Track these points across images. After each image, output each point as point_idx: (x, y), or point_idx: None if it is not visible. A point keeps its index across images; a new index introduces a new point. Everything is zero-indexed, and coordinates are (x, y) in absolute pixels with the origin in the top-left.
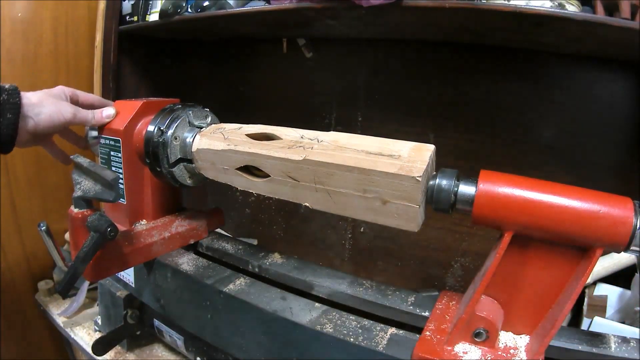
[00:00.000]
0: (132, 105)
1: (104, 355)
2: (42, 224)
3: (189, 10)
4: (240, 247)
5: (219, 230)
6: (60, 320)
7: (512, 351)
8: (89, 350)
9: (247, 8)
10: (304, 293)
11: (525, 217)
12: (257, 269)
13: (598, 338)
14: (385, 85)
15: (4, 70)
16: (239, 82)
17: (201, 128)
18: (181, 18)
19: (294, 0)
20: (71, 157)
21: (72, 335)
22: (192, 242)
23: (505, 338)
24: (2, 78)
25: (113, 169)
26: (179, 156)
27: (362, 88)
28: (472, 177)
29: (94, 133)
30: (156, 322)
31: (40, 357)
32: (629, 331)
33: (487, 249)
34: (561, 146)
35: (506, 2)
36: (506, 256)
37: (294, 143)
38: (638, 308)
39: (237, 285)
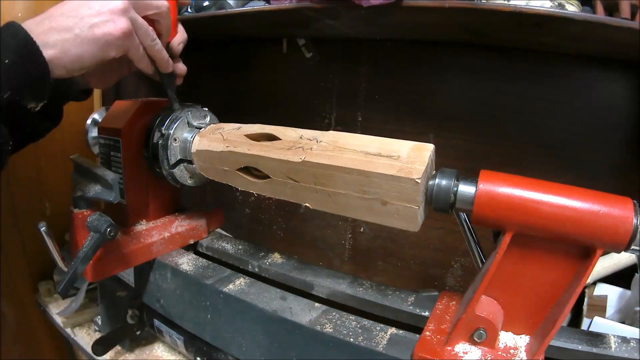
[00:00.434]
0: (132, 105)
1: (104, 355)
2: (41, 224)
3: (189, 10)
4: (240, 247)
5: (219, 230)
6: (60, 320)
7: (512, 351)
8: (89, 350)
9: (247, 8)
10: (304, 293)
11: (525, 217)
12: (257, 269)
13: (598, 338)
14: (385, 85)
15: None
16: (239, 82)
17: (200, 128)
18: (181, 18)
19: (294, 0)
20: (71, 157)
21: (72, 335)
22: (192, 242)
23: (505, 338)
24: None
25: (113, 169)
26: (179, 157)
27: (362, 88)
28: (471, 177)
29: (94, 133)
30: (156, 322)
31: (40, 357)
32: (629, 331)
33: (487, 249)
34: (561, 146)
35: (506, 2)
36: (506, 256)
37: (293, 144)
38: (638, 308)
39: (237, 285)
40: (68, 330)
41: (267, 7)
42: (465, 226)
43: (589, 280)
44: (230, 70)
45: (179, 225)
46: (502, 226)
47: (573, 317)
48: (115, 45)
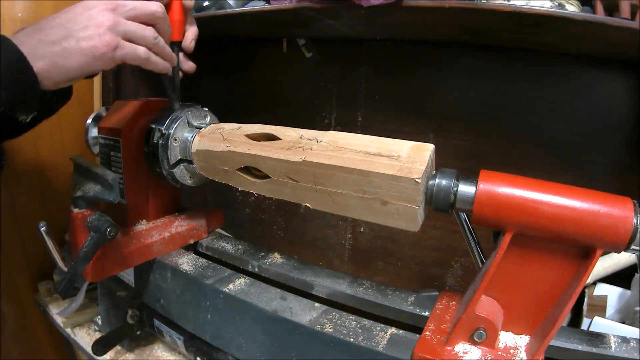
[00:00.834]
0: (132, 106)
1: (104, 355)
2: (41, 224)
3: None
4: (240, 247)
5: (219, 230)
6: (60, 320)
7: (512, 351)
8: (89, 350)
9: (247, 8)
10: (304, 293)
11: (525, 217)
12: (257, 269)
13: (598, 338)
14: (385, 85)
15: None
16: (239, 81)
17: (200, 128)
18: None
19: (294, 0)
20: (71, 157)
21: (72, 335)
22: (192, 242)
23: (505, 338)
24: None
25: (113, 169)
26: (179, 157)
27: (362, 88)
28: (471, 177)
29: (94, 133)
30: (156, 322)
31: (40, 357)
32: (629, 331)
33: (487, 249)
34: (561, 146)
35: (506, 2)
36: (506, 256)
37: (293, 143)
38: (638, 308)
39: (237, 285)
40: (68, 330)
41: (267, 7)
42: (465, 226)
43: (589, 280)
44: (230, 70)
45: (179, 225)
46: (502, 226)
47: (573, 317)
48: (103, 58)
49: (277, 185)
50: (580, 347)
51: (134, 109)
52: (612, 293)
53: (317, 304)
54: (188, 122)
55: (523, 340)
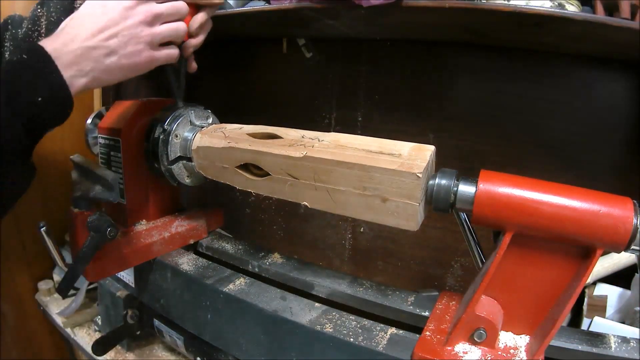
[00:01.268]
0: (132, 105)
1: (104, 355)
2: (41, 224)
3: None
4: (240, 247)
5: (219, 230)
6: (60, 320)
7: (512, 351)
8: (89, 350)
9: (247, 8)
10: (304, 293)
11: (525, 217)
12: (257, 269)
13: (598, 338)
14: (385, 85)
15: None
16: (239, 82)
17: (202, 128)
18: None
19: (294, 0)
20: (71, 157)
21: (72, 335)
22: (192, 242)
23: (505, 338)
24: None
25: (113, 169)
26: (179, 154)
27: (362, 88)
28: (471, 177)
29: (94, 133)
30: (156, 322)
31: (40, 357)
32: (629, 331)
33: (487, 249)
34: (561, 146)
35: (506, 2)
36: (506, 256)
37: (295, 142)
38: (638, 308)
39: (237, 285)
40: (68, 330)
41: (267, 7)
42: (465, 226)
43: (589, 280)
44: (230, 70)
45: (179, 225)
46: (502, 226)
47: (573, 317)
48: (140, 71)
49: (276, 183)
50: (580, 347)
51: (134, 108)
52: (612, 293)
53: (317, 304)
54: (190, 121)
55: (523, 340)
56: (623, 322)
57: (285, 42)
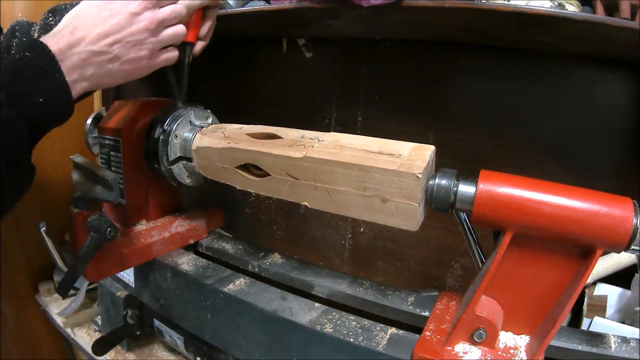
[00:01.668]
0: (132, 105)
1: (104, 355)
2: (42, 224)
3: None
4: (240, 247)
5: (219, 230)
6: (60, 320)
7: (512, 351)
8: (89, 350)
9: (247, 8)
10: (304, 293)
11: (525, 217)
12: (256, 269)
13: (598, 338)
14: (385, 85)
15: None
16: (239, 82)
17: (202, 128)
18: None
19: (294, 0)
20: (71, 157)
21: (72, 335)
22: (192, 242)
23: (505, 338)
24: None
25: (113, 169)
26: (179, 154)
27: (362, 88)
28: (471, 177)
29: (94, 133)
30: (156, 322)
31: (40, 357)
32: (629, 331)
33: (487, 249)
34: (561, 146)
35: (506, 2)
36: (506, 256)
37: (295, 142)
38: (638, 308)
39: (237, 285)
40: (68, 330)
41: (267, 7)
42: (465, 226)
43: (589, 280)
44: (230, 70)
45: (179, 225)
46: (502, 226)
47: (573, 317)
48: (139, 75)
49: (276, 184)
50: (580, 347)
51: (134, 109)
52: (612, 293)
53: (317, 304)
54: (190, 121)
55: (523, 340)
56: (623, 322)
57: (285, 42)
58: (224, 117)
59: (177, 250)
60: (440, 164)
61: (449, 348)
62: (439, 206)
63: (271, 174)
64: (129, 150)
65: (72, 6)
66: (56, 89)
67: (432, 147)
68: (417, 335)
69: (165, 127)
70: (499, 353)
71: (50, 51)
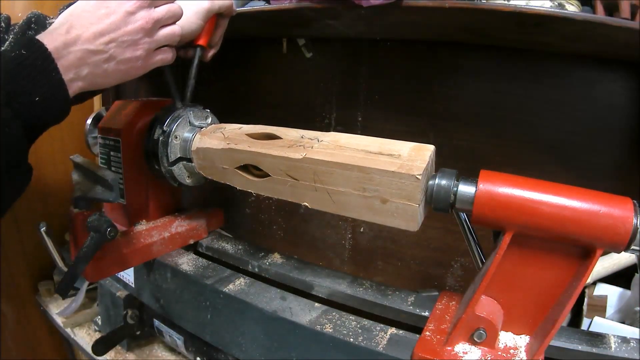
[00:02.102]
0: (132, 105)
1: (104, 355)
2: (41, 225)
3: None
4: (240, 247)
5: (219, 230)
6: (60, 320)
7: (512, 351)
8: (89, 350)
9: (247, 8)
10: (304, 293)
11: (525, 217)
12: (256, 269)
13: (598, 338)
14: (385, 85)
15: None
16: (239, 82)
17: (201, 128)
18: None
19: (294, 0)
20: (71, 157)
21: (72, 335)
22: (192, 242)
23: (505, 338)
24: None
25: (113, 169)
26: (179, 155)
27: (362, 88)
28: (471, 177)
29: (94, 133)
30: (156, 322)
31: (40, 357)
32: (629, 331)
33: (487, 249)
34: (561, 146)
35: (506, 2)
36: (506, 256)
37: (294, 142)
38: (638, 308)
39: (237, 285)
40: (68, 330)
41: (267, 7)
42: (465, 226)
43: (589, 280)
44: (230, 70)
45: (179, 225)
46: (502, 226)
47: (573, 317)
48: (134, 75)
49: (276, 184)
50: (580, 347)
51: (134, 109)
52: (612, 293)
53: (317, 304)
54: (189, 122)
55: (523, 340)
56: (623, 322)
57: (285, 42)
58: (223, 117)
59: (177, 250)
60: (440, 164)
61: (449, 348)
62: (439, 206)
63: (271, 174)
64: (129, 151)
65: None
66: (53, 87)
67: (431, 147)
68: (417, 335)
69: (164, 128)
70: (499, 353)
71: (47, 49)
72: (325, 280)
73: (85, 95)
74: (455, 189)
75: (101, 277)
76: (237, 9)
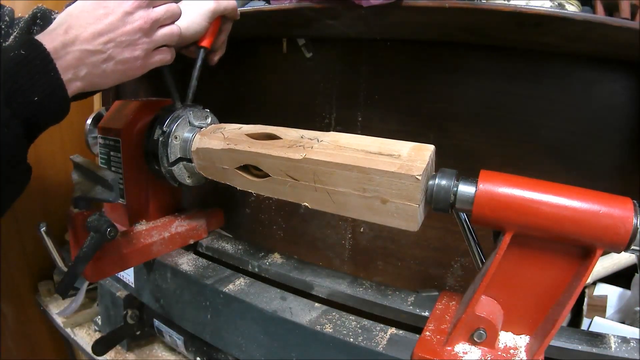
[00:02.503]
0: (132, 105)
1: (104, 355)
2: (41, 225)
3: None
4: (240, 247)
5: (219, 230)
6: (60, 320)
7: (512, 351)
8: (89, 350)
9: (247, 8)
10: (304, 293)
11: (525, 217)
12: (256, 269)
13: (598, 338)
14: (385, 85)
15: None
16: (239, 82)
17: (201, 128)
18: None
19: (294, 0)
20: (71, 157)
21: (72, 335)
22: (192, 242)
23: (505, 338)
24: None
25: (113, 169)
26: (179, 155)
27: (362, 88)
28: (471, 177)
29: (94, 133)
30: (156, 322)
31: (40, 357)
32: (629, 331)
33: (487, 249)
34: (561, 146)
35: (506, 2)
36: (506, 256)
37: (294, 142)
38: (638, 308)
39: (237, 285)
40: (68, 330)
41: (267, 7)
42: (465, 226)
43: (589, 280)
44: (230, 70)
45: (179, 225)
46: (502, 226)
47: (573, 317)
48: (134, 76)
49: (276, 184)
50: (580, 347)
51: (134, 109)
52: (612, 293)
53: (317, 304)
54: (189, 122)
55: (523, 340)
56: (623, 322)
57: (285, 42)
58: (223, 117)
59: (177, 250)
60: (440, 163)
61: (449, 348)
62: (439, 206)
63: (271, 174)
64: (129, 151)
65: None
66: (52, 87)
67: (431, 147)
68: (417, 335)
69: (164, 129)
70: (499, 353)
71: (46, 49)
72: (325, 280)
73: (85, 94)
74: (455, 189)
75: (101, 277)
76: (239, 9)
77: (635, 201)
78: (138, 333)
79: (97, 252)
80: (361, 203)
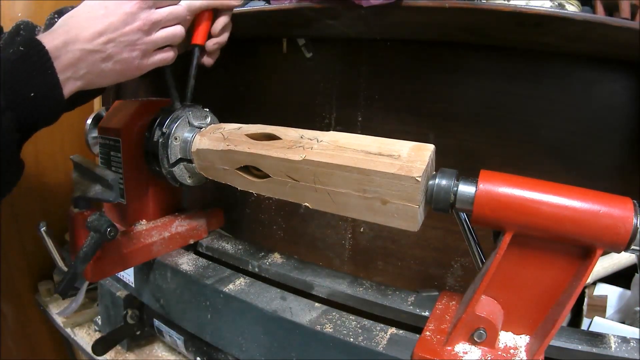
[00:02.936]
0: (132, 105)
1: (104, 355)
2: (41, 225)
3: None
4: (240, 247)
5: (219, 230)
6: (60, 320)
7: (512, 351)
8: (89, 350)
9: (247, 8)
10: (304, 293)
11: (525, 217)
12: (257, 269)
13: (598, 338)
14: (385, 85)
15: None
16: (239, 82)
17: (201, 128)
18: None
19: (294, 0)
20: (71, 157)
21: (72, 335)
22: (192, 242)
23: (505, 338)
24: None
25: (113, 169)
26: (179, 156)
27: (362, 88)
28: (471, 177)
29: (94, 133)
30: (156, 322)
31: (40, 357)
32: (629, 331)
33: (487, 249)
34: (561, 146)
35: (506, 2)
36: (506, 256)
37: (294, 143)
38: (638, 308)
39: (237, 285)
40: (68, 330)
41: (267, 7)
42: (465, 226)
43: (589, 280)
44: (230, 70)
45: (179, 225)
46: (502, 226)
47: (573, 317)
48: (133, 76)
49: (276, 185)
50: (580, 347)
51: (134, 109)
52: (612, 293)
53: (317, 304)
54: (189, 122)
55: (523, 340)
56: (623, 322)
57: (285, 42)
58: (223, 116)
59: (177, 250)
60: (440, 163)
61: (449, 348)
62: (439, 206)
63: (271, 175)
64: (129, 150)
65: None
66: (47, 85)
67: (431, 147)
68: (417, 335)
69: (164, 130)
70: (499, 353)
71: (44, 47)
72: (325, 280)
73: (85, 97)
74: (455, 189)
75: (101, 277)
76: (237, 9)
77: (635, 201)
78: (138, 333)
79: (97, 252)
80: (361, 204)
